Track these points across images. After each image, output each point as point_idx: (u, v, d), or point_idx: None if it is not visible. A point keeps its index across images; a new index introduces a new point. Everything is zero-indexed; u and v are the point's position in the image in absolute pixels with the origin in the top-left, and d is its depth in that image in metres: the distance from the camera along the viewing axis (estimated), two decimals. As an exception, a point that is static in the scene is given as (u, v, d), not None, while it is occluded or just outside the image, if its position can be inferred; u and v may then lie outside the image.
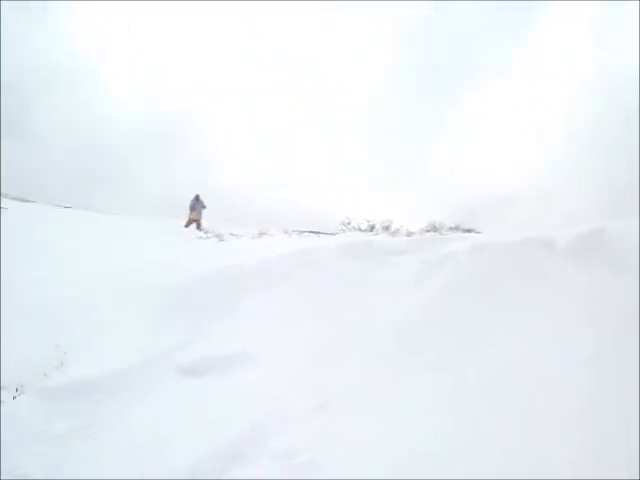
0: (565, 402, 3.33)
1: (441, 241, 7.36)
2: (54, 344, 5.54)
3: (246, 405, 4.15)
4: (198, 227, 18.22)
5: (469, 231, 14.33)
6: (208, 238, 14.27)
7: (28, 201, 18.76)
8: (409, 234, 13.82)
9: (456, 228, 15.66)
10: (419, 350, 4.43)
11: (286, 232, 15.60)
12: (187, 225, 18.47)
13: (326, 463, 3.29)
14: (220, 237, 14.10)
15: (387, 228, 16.23)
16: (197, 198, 19.13)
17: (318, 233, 15.26)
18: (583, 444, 2.95)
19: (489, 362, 3.99)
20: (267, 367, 4.75)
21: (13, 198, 18.08)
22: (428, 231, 15.09)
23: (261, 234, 14.62)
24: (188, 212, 18.96)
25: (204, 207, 19.21)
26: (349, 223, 17.40)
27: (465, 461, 3.06)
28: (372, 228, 16.45)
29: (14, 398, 4.61)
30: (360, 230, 16.13)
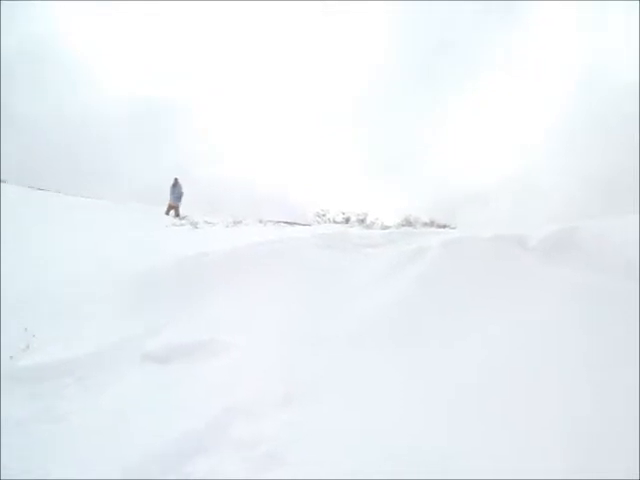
0: (539, 393, 3.35)
1: (415, 235, 7.40)
2: (22, 328, 5.42)
3: (213, 393, 4.09)
4: (176, 214, 17.73)
5: (444, 227, 14.48)
6: (182, 225, 14.14)
7: (3, 182, 18.25)
8: (384, 228, 13.90)
9: (431, 224, 15.84)
10: (393, 341, 4.41)
11: (261, 222, 15.58)
12: (167, 212, 17.95)
13: (289, 454, 3.23)
14: (194, 225, 13.97)
15: (362, 221, 16.34)
16: (175, 183, 18.55)
17: (293, 224, 15.24)
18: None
19: (461, 353, 4.00)
20: (236, 355, 4.69)
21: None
22: (403, 225, 15.23)
23: (236, 223, 14.54)
24: (169, 198, 18.44)
25: (182, 193, 18.54)
26: (324, 215, 17.51)
27: (440, 457, 3.02)
28: (347, 220, 16.54)
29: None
30: (335, 222, 16.21)
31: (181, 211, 18.14)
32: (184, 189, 18.70)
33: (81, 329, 5.56)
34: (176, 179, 18.61)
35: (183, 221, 15.21)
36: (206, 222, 14.62)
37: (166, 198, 18.61)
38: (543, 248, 5.12)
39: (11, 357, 4.95)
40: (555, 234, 5.20)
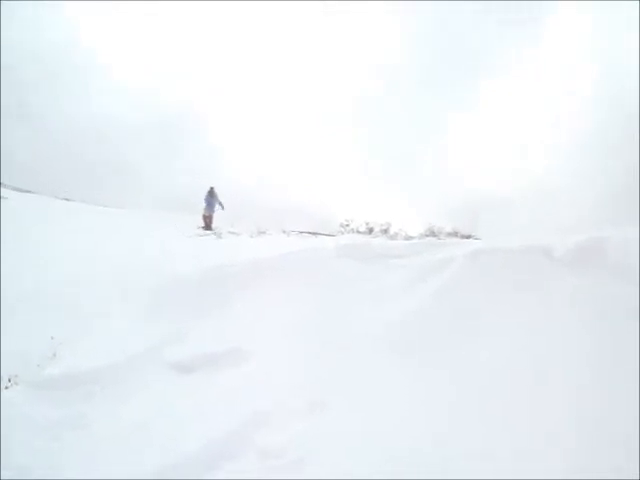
0: (558, 403, 3.34)
1: (440, 246, 7.35)
2: (49, 336, 5.52)
3: (237, 402, 4.13)
4: (207, 225, 16.65)
5: (468, 237, 14.36)
6: (207, 235, 14.25)
7: (28, 192, 18.69)
8: (407, 238, 13.85)
9: (455, 234, 15.71)
10: (414, 351, 4.42)
11: (285, 232, 15.64)
12: (205, 223, 16.76)
13: (313, 462, 3.26)
14: (218, 235, 14.08)
15: (386, 231, 16.31)
16: (211, 192, 17.24)
17: (317, 234, 15.28)
18: (578, 442, 2.95)
19: (484, 364, 3.99)
20: (260, 364, 4.73)
21: (13, 188, 18.06)
22: (427, 236, 15.15)
23: (260, 233, 14.62)
24: (204, 206, 17.17)
25: (220, 203, 17.24)
26: (348, 225, 17.48)
27: (458, 460, 3.05)
28: (371, 231, 16.51)
29: (6, 388, 4.59)
30: (359, 232, 16.20)
31: (214, 220, 17.19)
32: (221, 199, 17.47)
33: (107, 337, 5.64)
34: (212, 188, 17.37)
35: (208, 231, 15.28)
36: (230, 232, 14.71)
37: (185, 205, 18.58)
38: (570, 259, 5.04)
39: (38, 365, 5.05)
40: (582, 244, 5.11)
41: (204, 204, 17.20)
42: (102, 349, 5.34)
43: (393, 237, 14.75)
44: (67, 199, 19.53)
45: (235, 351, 5.03)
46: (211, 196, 17.23)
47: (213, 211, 17.14)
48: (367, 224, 17.19)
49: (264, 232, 14.94)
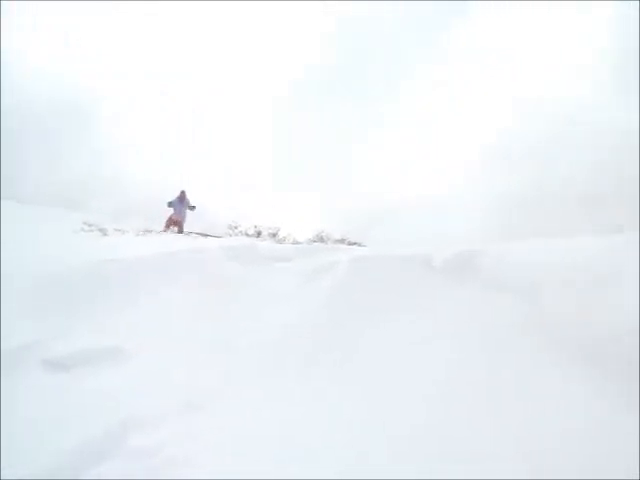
0: (431, 403, 3.41)
1: (325, 251, 7.44)
2: None
3: (114, 401, 3.89)
4: (179, 231, 15.40)
5: (354, 244, 14.71)
6: (91, 231, 13.50)
7: None
8: (295, 242, 13.93)
9: (342, 240, 16.03)
10: (299, 354, 4.42)
11: (172, 231, 15.18)
12: (167, 226, 15.55)
13: (186, 462, 3.14)
14: (104, 231, 13.37)
15: (274, 235, 16.29)
16: (181, 197, 15.93)
17: (206, 235, 14.93)
18: (441, 449, 3.01)
19: (365, 366, 4.05)
20: (140, 363, 4.54)
21: None
22: (315, 241, 15.31)
23: (146, 231, 14.10)
24: (170, 210, 15.81)
25: (191, 208, 16.08)
26: (236, 227, 17.27)
27: (337, 460, 3.01)
28: (259, 234, 16.43)
29: None
30: (247, 235, 16.05)
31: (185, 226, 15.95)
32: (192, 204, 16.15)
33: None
34: (183, 192, 16.11)
35: (92, 227, 14.48)
36: (116, 229, 14.07)
37: (69, 200, 17.18)
38: (446, 268, 5.28)
39: None
40: (457, 256, 5.37)
41: (172, 208, 15.92)
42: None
43: (281, 241, 14.77)
44: None
45: (115, 350, 4.76)
46: (181, 201, 15.98)
47: (183, 216, 15.99)
48: (255, 227, 17.12)
49: (151, 230, 14.39)
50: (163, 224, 15.71)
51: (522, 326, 4.04)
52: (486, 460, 2.82)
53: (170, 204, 15.93)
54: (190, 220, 16.22)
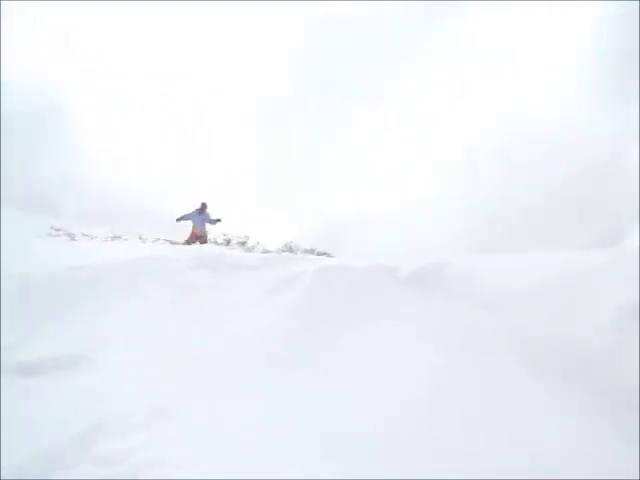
0: (405, 410, 3.43)
1: (293, 261, 7.46)
2: None
3: (75, 410, 3.80)
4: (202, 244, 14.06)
5: (323, 254, 14.78)
6: (59, 236, 13.29)
7: None
8: (265, 252, 13.93)
9: (311, 251, 16.09)
10: (266, 360, 4.42)
11: (141, 238, 15.06)
12: (189, 242, 14.39)
13: (150, 471, 3.09)
14: (72, 237, 13.19)
15: (243, 244, 16.25)
16: (202, 209, 14.72)
17: (174, 242, 14.81)
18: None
19: (332, 375, 4.06)
20: (102, 372, 4.45)
21: None
22: (284, 251, 15.34)
23: (115, 237, 13.94)
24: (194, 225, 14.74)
25: (212, 222, 14.85)
26: (205, 236, 17.16)
27: (305, 467, 3.01)
28: (228, 242, 16.37)
29: None
30: (216, 243, 15.97)
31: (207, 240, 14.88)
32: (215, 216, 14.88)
33: None
34: (204, 204, 14.81)
35: (60, 232, 14.24)
36: (84, 234, 13.89)
37: (43, 205, 16.68)
38: (412, 280, 5.35)
39: None
40: (424, 268, 5.45)
41: (193, 222, 14.80)
42: None
43: (250, 250, 14.76)
44: None
45: (80, 357, 4.69)
46: (200, 214, 14.74)
47: (205, 230, 14.86)
48: (225, 235, 17.04)
49: (119, 237, 14.24)
50: (184, 239, 14.75)
51: (486, 338, 4.12)
52: (456, 460, 2.87)
53: (183, 218, 14.81)
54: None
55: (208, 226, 14.92)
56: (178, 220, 14.64)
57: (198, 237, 14.53)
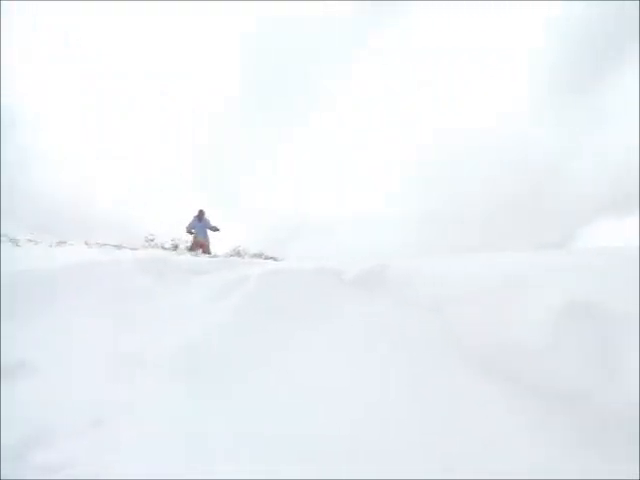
0: (365, 410, 3.47)
1: (240, 265, 7.48)
2: None
3: (14, 417, 3.68)
4: (205, 252, 14.03)
5: (271, 258, 14.81)
6: (3, 242, 12.80)
7: None
8: (212, 256, 13.84)
9: (259, 255, 16.10)
10: (209, 364, 4.40)
11: (87, 243, 14.68)
12: (192, 249, 14.15)
13: (92, 477, 3.06)
14: (15, 242, 12.72)
15: (191, 249, 16.09)
16: (201, 216, 14.61)
17: (121, 247, 14.51)
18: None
19: (285, 375, 4.10)
20: (45, 378, 4.31)
21: None
22: (232, 255, 15.28)
23: (60, 243, 13.55)
24: (190, 234, 14.68)
25: (213, 229, 14.75)
26: (153, 240, 16.91)
27: (250, 470, 3.03)
28: (176, 247, 16.16)
29: None
30: (164, 248, 15.75)
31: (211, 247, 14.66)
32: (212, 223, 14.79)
33: None
34: (201, 211, 14.72)
35: (4, 237, 13.72)
36: (29, 240, 13.44)
37: None
38: (357, 282, 5.46)
39: None
40: (367, 270, 5.57)
41: (193, 230, 14.67)
42: None
43: (198, 254, 14.64)
44: None
45: (19, 364, 4.53)
46: (200, 221, 14.64)
47: (207, 237, 14.71)
48: (173, 240, 16.83)
49: (64, 242, 13.84)
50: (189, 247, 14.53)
51: (427, 337, 4.24)
52: (404, 462, 2.94)
53: (189, 227, 14.73)
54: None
55: (209, 233, 14.84)
56: (188, 232, 14.60)
57: (200, 245, 14.48)
